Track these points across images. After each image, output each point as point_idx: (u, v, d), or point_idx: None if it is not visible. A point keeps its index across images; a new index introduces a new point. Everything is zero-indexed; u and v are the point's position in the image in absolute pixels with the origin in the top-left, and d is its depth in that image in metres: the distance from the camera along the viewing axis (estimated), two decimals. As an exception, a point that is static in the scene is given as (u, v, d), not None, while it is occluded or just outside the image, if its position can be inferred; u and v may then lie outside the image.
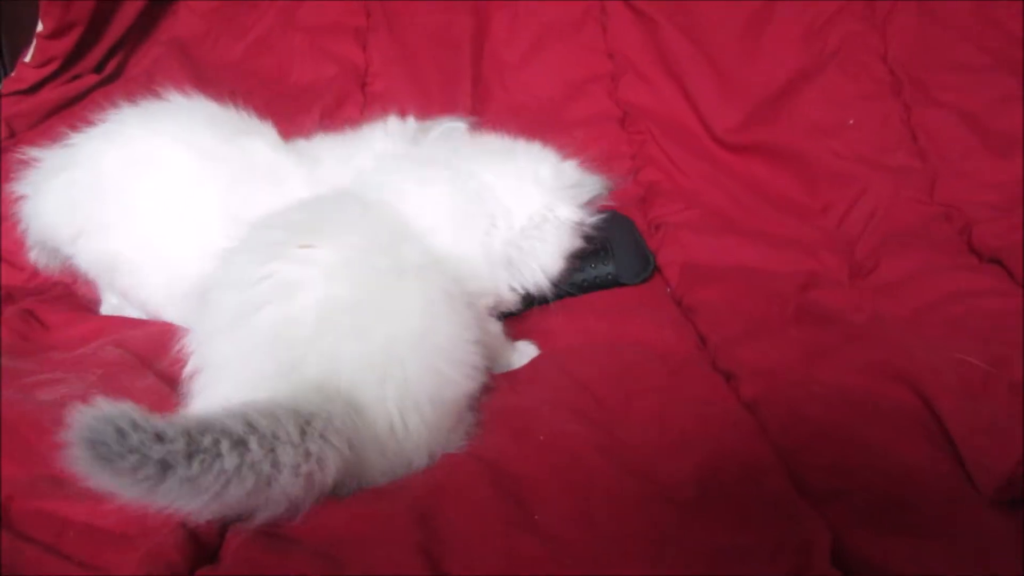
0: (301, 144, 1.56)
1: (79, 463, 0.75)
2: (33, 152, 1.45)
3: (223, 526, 0.88)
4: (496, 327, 1.31)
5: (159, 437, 0.76)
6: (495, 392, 1.19)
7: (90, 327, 1.41)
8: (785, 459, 0.98)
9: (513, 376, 1.25)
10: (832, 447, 1.01)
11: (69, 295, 1.58)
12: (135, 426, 0.75)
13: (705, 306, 1.45)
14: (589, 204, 1.39)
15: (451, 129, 1.53)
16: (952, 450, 1.01)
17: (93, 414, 0.75)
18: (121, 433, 0.74)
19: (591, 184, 1.39)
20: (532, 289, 1.34)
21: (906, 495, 0.93)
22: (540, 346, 1.36)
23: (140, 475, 0.75)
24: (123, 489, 0.76)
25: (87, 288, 1.57)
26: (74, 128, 1.47)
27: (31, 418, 1.03)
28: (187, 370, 1.03)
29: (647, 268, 1.59)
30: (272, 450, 0.82)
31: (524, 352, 1.35)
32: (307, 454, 0.85)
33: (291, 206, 1.19)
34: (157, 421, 0.77)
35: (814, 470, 0.97)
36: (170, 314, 1.41)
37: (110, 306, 1.51)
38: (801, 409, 1.09)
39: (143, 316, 1.46)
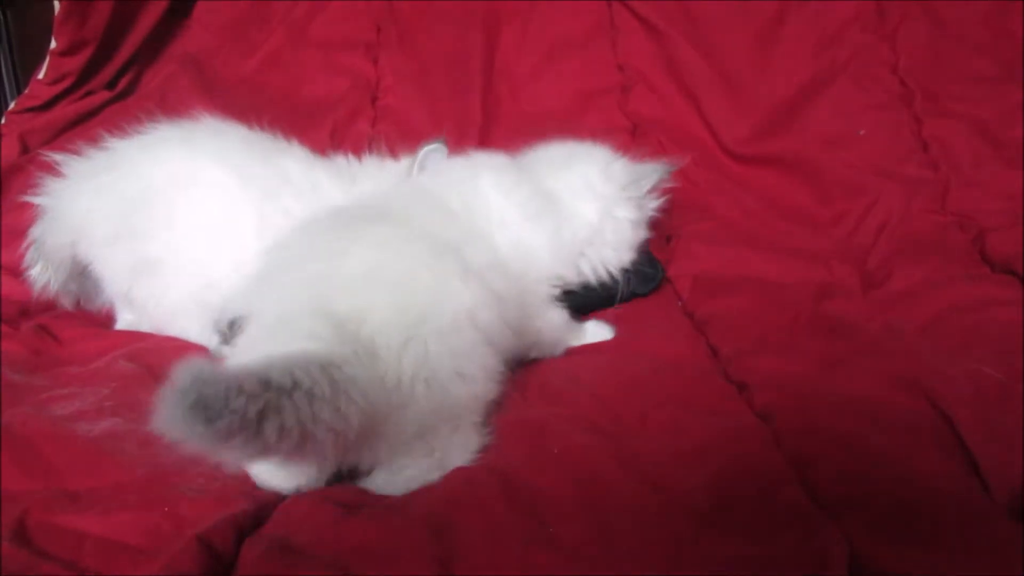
0: (337, 161, 1.61)
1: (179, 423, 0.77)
2: (58, 157, 1.47)
3: (239, 538, 0.88)
4: (560, 315, 1.36)
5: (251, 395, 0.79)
6: (510, 405, 1.19)
7: (103, 342, 1.41)
8: (799, 469, 0.98)
9: (527, 389, 1.25)
10: (846, 457, 1.00)
11: (82, 311, 1.59)
12: (239, 388, 0.79)
13: (717, 318, 1.45)
14: (650, 192, 1.47)
15: (432, 151, 1.56)
16: (967, 460, 1.00)
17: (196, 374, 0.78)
18: (225, 393, 0.78)
19: (645, 176, 1.46)
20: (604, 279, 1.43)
21: (921, 505, 0.92)
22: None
23: (236, 433, 0.78)
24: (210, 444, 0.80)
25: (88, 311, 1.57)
26: (90, 143, 1.49)
27: (46, 433, 1.04)
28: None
29: (656, 277, 1.59)
30: (311, 404, 0.84)
31: (595, 332, 1.42)
32: (336, 410, 0.87)
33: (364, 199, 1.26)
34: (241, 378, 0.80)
35: (828, 480, 0.96)
36: (189, 325, 1.44)
37: (125, 322, 1.52)
38: (815, 419, 1.08)
39: (156, 331, 1.47)
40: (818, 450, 1.02)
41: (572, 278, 1.39)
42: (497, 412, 1.16)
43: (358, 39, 2.17)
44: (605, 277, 1.43)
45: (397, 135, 1.98)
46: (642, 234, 1.47)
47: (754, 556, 0.82)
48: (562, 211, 1.36)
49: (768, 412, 1.12)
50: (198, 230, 1.41)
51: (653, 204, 1.48)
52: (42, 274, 1.47)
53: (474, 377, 1.06)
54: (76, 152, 1.48)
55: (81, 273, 1.49)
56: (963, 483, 0.96)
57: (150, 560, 0.82)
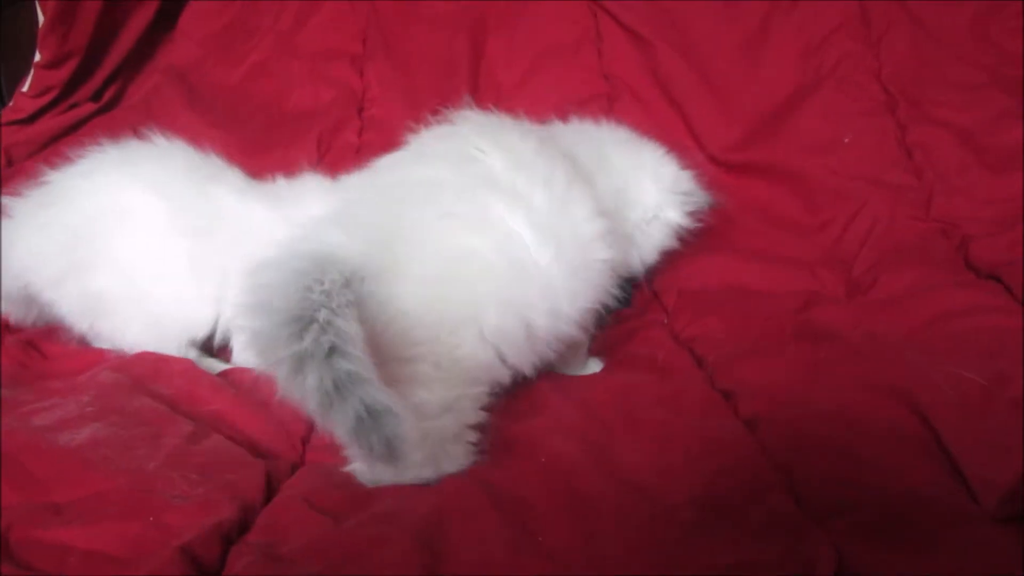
0: (278, 185, 1.58)
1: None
2: (6, 200, 1.42)
3: (225, 546, 0.88)
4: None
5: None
6: (498, 417, 1.19)
7: (89, 357, 1.40)
8: (785, 476, 0.98)
9: (515, 401, 1.24)
10: (832, 464, 1.00)
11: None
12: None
13: (702, 335, 1.45)
14: (692, 214, 1.49)
15: None
16: (952, 466, 1.00)
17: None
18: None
19: (700, 197, 1.50)
20: (627, 275, 1.43)
21: (908, 511, 0.92)
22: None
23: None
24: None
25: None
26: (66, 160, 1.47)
27: (28, 445, 1.04)
28: None
29: (627, 299, 1.59)
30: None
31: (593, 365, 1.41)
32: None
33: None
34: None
35: (814, 487, 0.96)
36: (162, 350, 1.41)
37: None
38: (800, 426, 1.09)
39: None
40: (804, 457, 1.02)
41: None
42: (487, 424, 1.17)
43: (344, 50, 2.16)
44: (627, 275, 1.44)
45: (384, 145, 1.98)
46: (674, 244, 1.51)
47: (743, 562, 0.82)
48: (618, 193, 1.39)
49: (754, 420, 1.13)
50: (136, 260, 1.38)
51: (688, 222, 1.50)
52: (10, 313, 1.46)
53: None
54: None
55: (44, 311, 1.44)
56: (948, 488, 0.97)
57: (135, 571, 0.81)
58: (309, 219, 1.17)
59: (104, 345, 1.43)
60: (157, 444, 1.06)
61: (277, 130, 2.03)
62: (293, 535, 0.90)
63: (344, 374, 0.87)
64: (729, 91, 1.96)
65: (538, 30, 2.10)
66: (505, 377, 1.15)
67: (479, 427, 1.11)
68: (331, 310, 0.91)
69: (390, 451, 0.86)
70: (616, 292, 1.32)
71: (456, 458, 1.07)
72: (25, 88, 2.09)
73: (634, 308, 1.63)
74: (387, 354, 1.02)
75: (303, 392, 0.88)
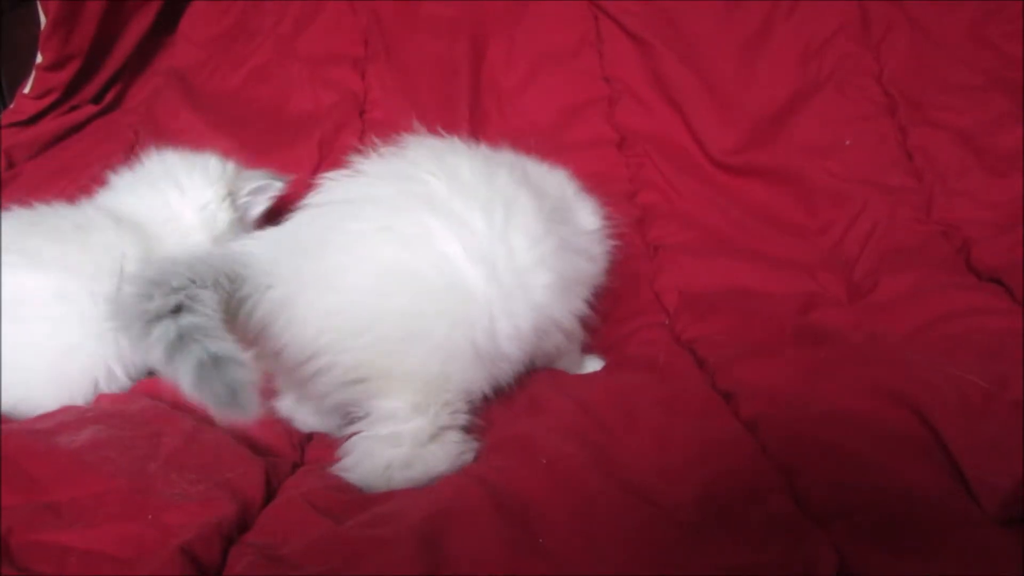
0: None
1: None
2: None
3: (224, 545, 0.88)
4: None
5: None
6: (498, 417, 1.19)
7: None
8: (786, 478, 0.98)
9: (514, 399, 1.25)
10: (832, 466, 1.00)
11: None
12: None
13: (703, 336, 1.45)
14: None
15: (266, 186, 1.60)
16: (953, 469, 1.00)
17: None
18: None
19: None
20: None
21: (909, 514, 0.92)
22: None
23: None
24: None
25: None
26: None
27: (27, 448, 1.03)
28: None
29: None
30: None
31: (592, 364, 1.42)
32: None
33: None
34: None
35: (815, 489, 0.96)
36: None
37: None
38: (801, 429, 1.09)
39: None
40: (805, 459, 1.02)
41: None
42: (484, 422, 1.18)
43: (345, 53, 2.16)
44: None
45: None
46: None
47: (743, 564, 0.82)
48: None
49: (755, 421, 1.12)
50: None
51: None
52: None
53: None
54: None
55: None
56: (949, 491, 0.96)
57: (135, 572, 0.81)
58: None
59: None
60: (157, 444, 1.06)
61: (278, 133, 2.03)
62: (294, 535, 0.90)
63: (188, 326, 0.91)
64: (729, 94, 1.96)
65: (539, 33, 2.10)
66: (474, 389, 1.16)
67: (462, 428, 1.13)
68: (191, 280, 0.96)
69: (233, 397, 0.87)
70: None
71: (441, 458, 1.08)
72: (26, 90, 2.09)
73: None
74: (323, 364, 1.07)
75: (150, 347, 0.91)
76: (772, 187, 1.85)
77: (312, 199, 1.20)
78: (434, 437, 1.09)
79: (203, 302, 0.94)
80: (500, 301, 1.12)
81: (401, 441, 1.07)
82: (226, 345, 0.90)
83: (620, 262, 1.67)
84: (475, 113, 2.04)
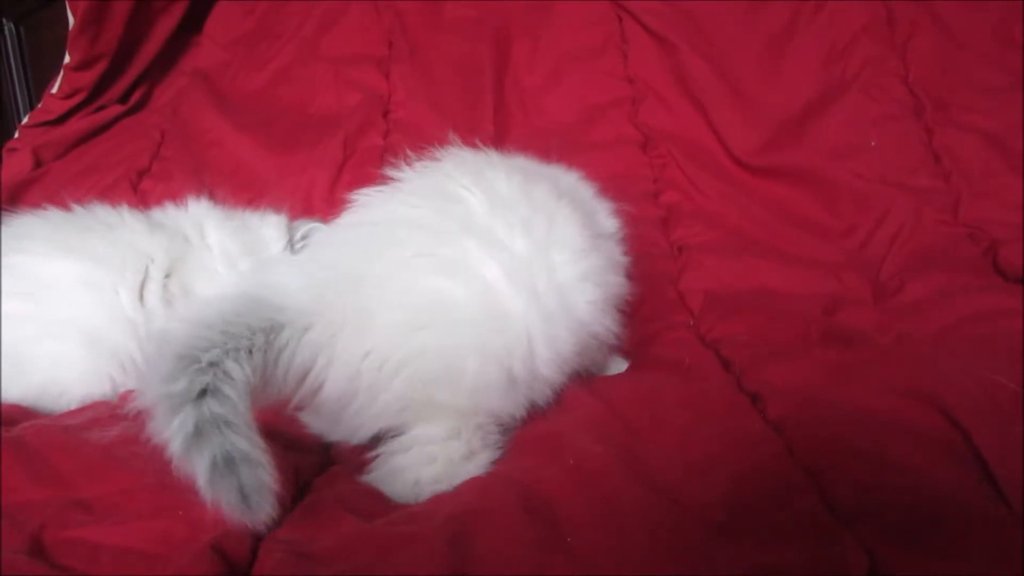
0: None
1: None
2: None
3: (254, 542, 0.88)
4: None
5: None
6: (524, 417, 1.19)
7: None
8: (814, 479, 0.97)
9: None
10: (860, 467, 1.00)
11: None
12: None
13: (728, 336, 1.45)
14: None
15: (313, 229, 1.57)
16: (982, 470, 1.00)
17: None
18: None
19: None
20: None
21: (938, 515, 0.91)
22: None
23: None
24: None
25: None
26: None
27: (57, 443, 1.04)
28: None
29: None
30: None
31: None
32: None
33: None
34: None
35: (844, 490, 0.95)
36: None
37: None
38: (828, 430, 1.08)
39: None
40: (832, 460, 1.01)
41: None
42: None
43: (369, 54, 2.18)
44: None
45: (409, 147, 1.99)
46: None
47: (773, 564, 0.82)
48: None
49: (781, 423, 1.12)
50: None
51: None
52: None
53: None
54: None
55: None
56: (979, 493, 0.96)
57: (166, 568, 0.82)
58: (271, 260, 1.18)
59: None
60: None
61: (303, 133, 2.04)
62: (324, 533, 0.90)
63: (209, 417, 0.84)
64: (753, 94, 1.96)
65: (563, 34, 2.11)
66: (508, 413, 1.13)
67: (495, 446, 1.11)
68: (224, 353, 0.89)
69: (243, 501, 0.82)
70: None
71: (472, 474, 1.07)
72: (54, 90, 2.11)
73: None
74: (360, 404, 1.04)
75: (170, 436, 0.84)
76: (796, 188, 1.85)
77: (348, 218, 1.18)
78: (467, 457, 1.07)
79: (233, 381, 0.88)
80: (540, 325, 1.08)
81: (434, 460, 1.06)
82: (244, 443, 0.84)
83: (643, 262, 1.67)
84: (499, 113, 2.05)
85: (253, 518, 0.83)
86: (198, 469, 0.83)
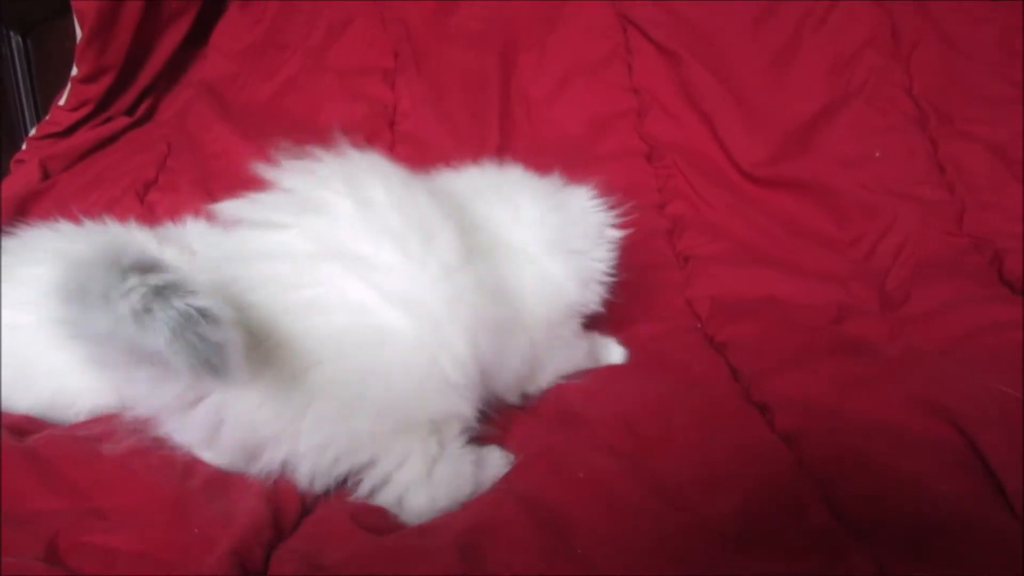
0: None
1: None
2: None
3: (266, 551, 0.89)
4: (584, 344, 1.35)
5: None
6: (531, 430, 1.19)
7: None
8: (824, 490, 0.98)
9: (548, 413, 1.25)
10: (870, 478, 1.00)
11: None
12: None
13: (736, 341, 1.44)
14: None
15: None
16: (992, 482, 1.00)
17: None
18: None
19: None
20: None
21: (947, 526, 0.92)
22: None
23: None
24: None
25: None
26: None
27: (70, 454, 1.04)
28: None
29: None
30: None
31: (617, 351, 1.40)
32: None
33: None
34: None
35: (854, 501, 0.96)
36: None
37: None
38: (837, 440, 1.08)
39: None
40: (842, 472, 1.02)
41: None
42: (516, 437, 1.18)
43: (375, 65, 2.19)
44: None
45: (416, 158, 1.99)
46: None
47: (783, 575, 0.82)
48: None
49: (791, 434, 1.12)
50: None
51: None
52: None
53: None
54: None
55: None
56: (989, 504, 0.96)
57: (184, 571, 0.82)
58: None
59: None
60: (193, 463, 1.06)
61: (309, 144, 2.04)
62: (335, 545, 0.91)
63: (161, 284, 0.81)
64: (758, 105, 1.97)
65: (568, 45, 2.12)
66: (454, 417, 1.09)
67: (466, 442, 1.10)
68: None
69: (209, 359, 0.80)
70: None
71: (453, 478, 1.06)
72: (62, 102, 2.12)
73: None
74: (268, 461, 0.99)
75: (114, 325, 0.80)
76: (802, 199, 1.85)
77: (210, 251, 1.15)
78: (434, 465, 1.05)
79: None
80: (431, 332, 1.02)
81: (403, 490, 1.04)
82: (214, 302, 0.81)
83: (649, 271, 1.68)
84: (504, 124, 2.06)
85: (221, 376, 0.82)
86: (157, 328, 0.79)
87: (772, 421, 1.17)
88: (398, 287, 1.01)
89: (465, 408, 1.08)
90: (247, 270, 1.01)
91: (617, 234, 1.34)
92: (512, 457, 1.14)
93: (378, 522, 0.99)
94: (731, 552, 0.87)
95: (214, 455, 1.04)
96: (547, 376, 1.29)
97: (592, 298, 1.31)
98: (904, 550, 0.88)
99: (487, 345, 1.08)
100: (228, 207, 1.08)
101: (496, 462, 1.13)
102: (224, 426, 0.98)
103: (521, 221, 1.26)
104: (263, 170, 1.10)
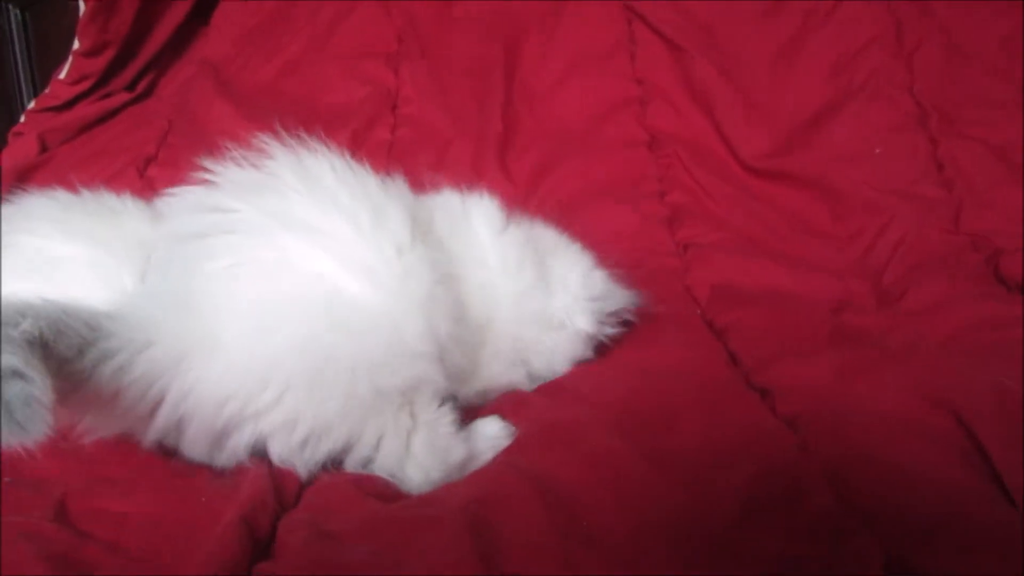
0: None
1: None
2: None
3: (273, 519, 0.89)
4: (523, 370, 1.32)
5: None
6: (534, 409, 1.20)
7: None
8: (827, 476, 0.98)
9: (551, 394, 1.25)
10: (873, 465, 1.00)
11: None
12: None
13: (736, 326, 1.46)
14: (611, 316, 1.35)
15: None
16: (990, 471, 1.01)
17: None
18: None
19: (618, 298, 1.35)
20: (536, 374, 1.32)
21: (950, 515, 0.92)
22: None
23: None
24: None
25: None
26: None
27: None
28: None
29: None
30: None
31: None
32: None
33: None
34: None
35: (857, 487, 0.96)
36: None
37: None
38: (840, 428, 1.09)
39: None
40: (846, 458, 1.02)
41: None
42: (516, 411, 1.19)
43: (379, 49, 2.19)
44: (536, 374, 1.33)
45: (417, 143, 2.00)
46: (586, 353, 1.36)
47: (794, 556, 0.82)
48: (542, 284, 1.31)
49: (793, 419, 1.13)
50: None
51: (610, 330, 1.36)
52: None
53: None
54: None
55: None
56: (988, 494, 0.97)
57: (193, 541, 0.82)
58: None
59: None
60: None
61: (311, 125, 2.03)
62: (342, 514, 0.91)
63: None
64: (761, 100, 1.98)
65: (573, 35, 2.13)
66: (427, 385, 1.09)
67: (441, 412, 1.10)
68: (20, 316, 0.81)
69: (12, 416, 0.75)
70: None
71: (438, 447, 1.07)
72: (62, 75, 2.11)
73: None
74: (238, 437, 0.98)
75: None
76: (801, 193, 1.87)
77: (164, 228, 1.14)
78: (410, 437, 1.06)
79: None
80: (393, 302, 1.03)
81: (389, 467, 1.05)
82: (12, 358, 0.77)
83: (648, 259, 1.69)
84: (508, 112, 2.06)
85: (26, 435, 0.77)
86: None
87: (773, 406, 1.18)
88: (355, 255, 1.02)
89: (433, 373, 1.08)
90: (200, 245, 1.02)
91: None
92: (513, 429, 1.15)
93: (382, 489, 1.00)
94: (736, 531, 0.87)
95: (187, 447, 1.00)
96: (481, 382, 1.26)
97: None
98: (909, 536, 0.89)
99: (439, 322, 1.09)
100: (179, 196, 1.10)
101: (496, 432, 1.15)
102: (187, 419, 0.95)
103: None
104: (210, 165, 1.10)
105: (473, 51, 2.14)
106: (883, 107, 1.92)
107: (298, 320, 0.97)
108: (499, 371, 1.27)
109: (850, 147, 1.89)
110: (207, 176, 1.09)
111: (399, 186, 1.23)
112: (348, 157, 1.16)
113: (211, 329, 0.95)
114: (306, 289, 0.99)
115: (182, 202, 1.10)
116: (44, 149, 2.02)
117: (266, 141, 1.11)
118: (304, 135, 1.15)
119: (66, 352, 0.84)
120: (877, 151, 1.86)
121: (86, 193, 1.45)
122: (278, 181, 1.06)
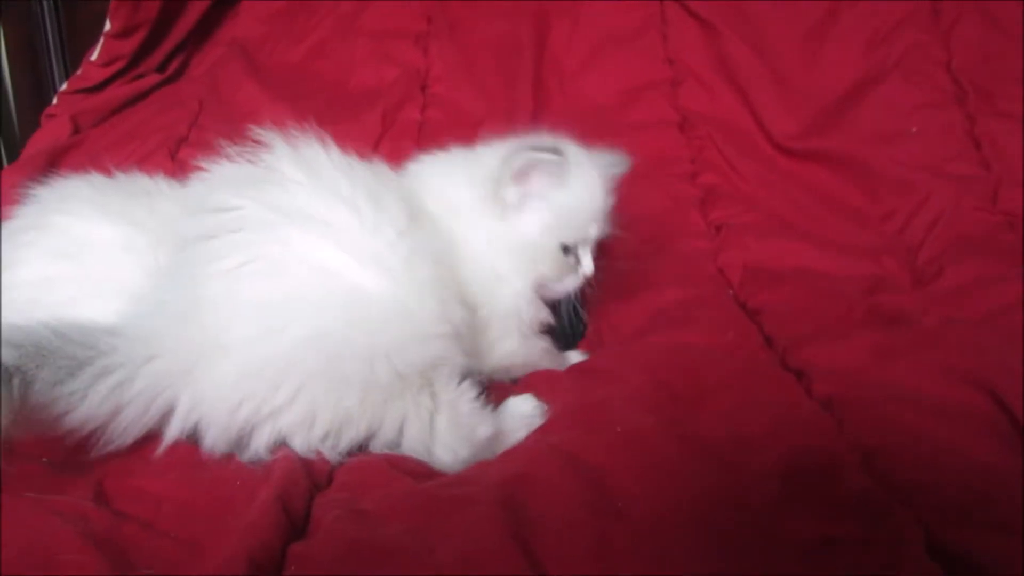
0: None
1: None
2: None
3: (308, 498, 0.90)
4: (542, 342, 1.33)
5: None
6: (567, 389, 1.19)
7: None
8: (864, 456, 0.98)
9: (584, 374, 1.25)
10: (911, 445, 1.00)
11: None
12: None
13: (770, 307, 1.45)
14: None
15: None
16: (1026, 451, 1.00)
17: None
18: None
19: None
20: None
21: (987, 493, 0.91)
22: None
23: None
24: None
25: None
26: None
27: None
28: None
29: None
30: None
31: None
32: None
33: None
34: None
35: (894, 467, 0.96)
36: None
37: None
38: (877, 408, 1.08)
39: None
40: (883, 438, 1.01)
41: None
42: (548, 389, 1.19)
43: (408, 29, 2.18)
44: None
45: (447, 123, 1.99)
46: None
47: (830, 536, 0.82)
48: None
49: (829, 400, 1.12)
50: None
51: None
52: None
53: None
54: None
55: None
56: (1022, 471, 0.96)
57: (228, 521, 0.83)
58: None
59: None
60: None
61: (341, 105, 2.04)
62: (376, 493, 0.91)
63: None
64: (794, 79, 1.96)
65: (603, 14, 2.12)
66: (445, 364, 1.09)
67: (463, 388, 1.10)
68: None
69: None
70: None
71: (461, 424, 1.07)
72: (94, 57, 2.12)
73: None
74: (258, 437, 0.99)
75: None
76: (835, 173, 1.85)
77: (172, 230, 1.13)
78: (433, 418, 1.06)
79: None
80: (404, 289, 1.04)
81: (415, 450, 1.05)
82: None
83: (680, 240, 1.68)
84: (537, 92, 2.05)
85: None
86: None
87: (809, 388, 1.17)
88: (362, 244, 1.03)
89: (450, 351, 1.09)
90: (206, 248, 1.03)
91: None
92: (547, 407, 1.15)
93: (416, 467, 1.00)
94: (775, 511, 0.87)
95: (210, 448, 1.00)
96: (495, 358, 1.27)
97: None
98: (945, 515, 0.88)
99: (449, 301, 1.10)
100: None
101: (530, 411, 1.15)
102: (203, 425, 0.97)
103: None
104: (208, 163, 1.11)
105: (502, 30, 2.12)
106: (919, 84, 1.89)
107: (308, 316, 0.98)
108: (512, 348, 1.28)
109: (884, 126, 1.86)
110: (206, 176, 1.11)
111: (382, 168, 1.24)
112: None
113: (219, 335, 0.96)
114: (316, 283, 1.00)
115: (185, 202, 1.14)
116: (76, 131, 2.03)
117: (262, 133, 1.11)
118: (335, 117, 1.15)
119: (54, 376, 0.87)
120: (913, 130, 1.84)
121: (119, 175, 1.46)
122: (277, 174, 1.07)
